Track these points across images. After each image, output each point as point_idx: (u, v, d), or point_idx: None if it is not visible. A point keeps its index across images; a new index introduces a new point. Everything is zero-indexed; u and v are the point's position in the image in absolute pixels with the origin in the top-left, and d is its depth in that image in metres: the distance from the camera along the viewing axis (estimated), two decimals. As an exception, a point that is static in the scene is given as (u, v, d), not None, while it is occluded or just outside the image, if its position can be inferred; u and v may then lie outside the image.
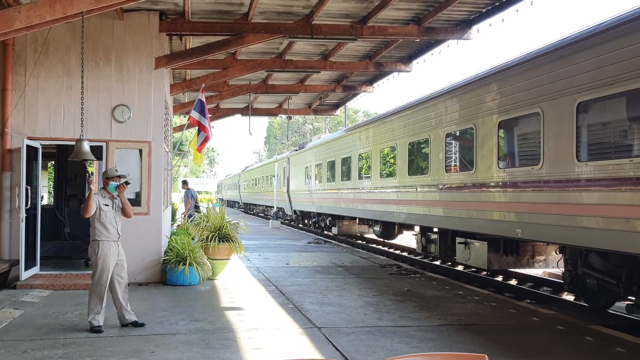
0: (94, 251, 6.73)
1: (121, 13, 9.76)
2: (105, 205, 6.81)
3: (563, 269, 9.05)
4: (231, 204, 59.71)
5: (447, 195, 11.21)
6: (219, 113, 20.06)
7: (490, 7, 10.22)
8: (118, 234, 6.88)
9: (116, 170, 7.21)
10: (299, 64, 13.48)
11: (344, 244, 18.75)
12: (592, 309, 8.60)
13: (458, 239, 11.38)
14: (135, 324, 6.79)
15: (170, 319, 7.25)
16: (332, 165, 20.03)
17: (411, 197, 12.97)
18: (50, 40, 9.75)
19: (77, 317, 7.25)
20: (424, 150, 12.49)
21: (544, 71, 8.31)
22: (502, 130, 9.59)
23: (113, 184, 6.95)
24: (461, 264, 12.73)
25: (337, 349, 5.96)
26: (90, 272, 7.04)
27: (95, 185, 6.71)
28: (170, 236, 11.10)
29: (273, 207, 30.67)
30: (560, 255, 9.35)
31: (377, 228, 16.78)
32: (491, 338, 6.45)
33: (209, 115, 11.42)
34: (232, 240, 10.69)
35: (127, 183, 7.03)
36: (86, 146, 7.38)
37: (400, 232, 16.31)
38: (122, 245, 6.98)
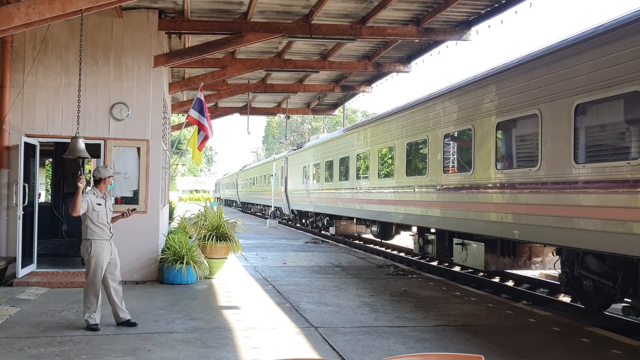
0: (87, 250, 6.71)
1: (120, 11, 9.75)
2: (98, 204, 6.78)
3: (560, 271, 9.07)
4: (229, 203, 59.68)
5: (445, 196, 11.22)
6: (218, 112, 20.05)
7: (489, 9, 10.23)
8: (110, 232, 6.87)
9: (110, 167, 7.22)
10: (297, 64, 13.47)
11: (341, 244, 18.76)
12: (588, 311, 8.62)
13: (455, 240, 11.39)
14: (127, 323, 6.77)
15: (166, 317, 7.24)
16: (330, 165, 20.03)
17: (409, 198, 12.98)
18: (49, 38, 9.73)
19: (74, 315, 7.24)
20: (422, 151, 12.50)
21: (542, 73, 8.33)
22: (500, 132, 9.60)
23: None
24: (458, 265, 12.74)
25: (333, 348, 5.96)
26: (86, 270, 7.03)
27: (82, 183, 6.62)
28: (168, 235, 11.09)
29: (271, 206, 30.65)
30: (557, 256, 9.37)
31: (374, 228, 16.78)
32: (487, 339, 6.46)
33: (208, 114, 11.42)
34: (229, 240, 10.69)
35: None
36: (81, 144, 7.38)
37: (397, 232, 16.31)
38: (115, 243, 6.97)
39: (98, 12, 8.70)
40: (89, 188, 7.10)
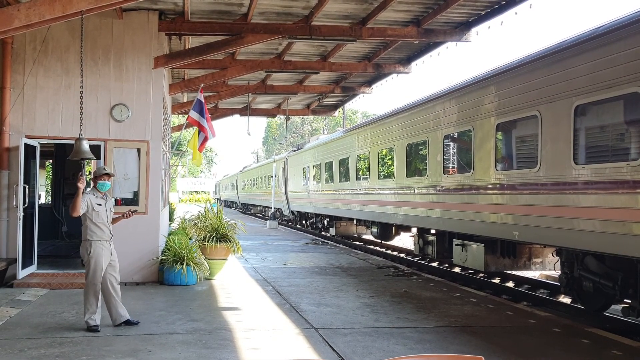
0: (87, 251, 6.71)
1: (120, 12, 9.77)
2: (98, 205, 6.78)
3: (559, 272, 9.07)
4: (229, 204, 59.70)
5: (445, 197, 11.22)
6: (218, 113, 20.07)
7: (489, 10, 10.25)
8: (110, 233, 6.87)
9: (104, 168, 7.16)
10: (297, 65, 13.49)
11: (341, 245, 18.76)
12: (588, 312, 8.62)
13: (455, 241, 11.39)
14: (127, 323, 6.79)
15: (167, 318, 7.25)
16: (330, 166, 20.04)
17: (409, 199, 12.98)
18: (50, 39, 9.74)
19: (74, 316, 7.24)
20: (421, 152, 12.51)
21: (542, 74, 8.33)
22: (499, 133, 9.61)
23: (103, 182, 6.91)
24: (458, 266, 12.74)
25: (334, 349, 5.97)
26: (86, 271, 7.02)
27: (82, 183, 6.63)
28: (168, 236, 11.09)
29: (271, 207, 30.66)
30: (557, 257, 9.37)
31: (374, 229, 16.79)
32: (488, 340, 6.47)
33: (208, 115, 11.42)
34: (229, 241, 10.69)
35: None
36: (85, 145, 7.38)
37: (397, 233, 16.32)
38: (115, 244, 6.96)
39: (98, 14, 8.70)
40: (88, 189, 7.09)
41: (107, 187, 6.99)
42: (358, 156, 16.88)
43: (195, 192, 78.31)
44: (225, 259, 10.82)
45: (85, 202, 6.65)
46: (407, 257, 15.83)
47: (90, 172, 6.90)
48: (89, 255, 6.69)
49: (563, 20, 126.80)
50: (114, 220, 7.03)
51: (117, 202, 9.81)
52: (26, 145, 9.47)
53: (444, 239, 12.30)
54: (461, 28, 11.03)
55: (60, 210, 15.50)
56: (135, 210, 7.36)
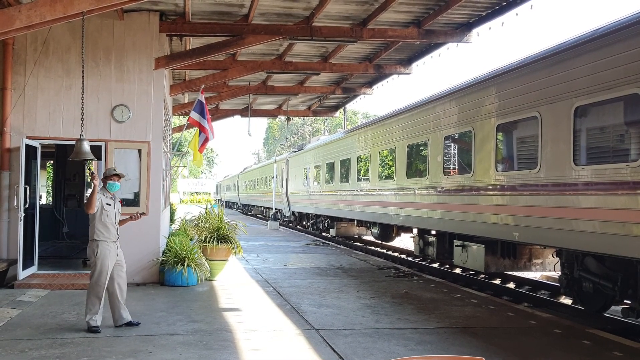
0: (93, 251, 6.73)
1: (121, 13, 9.78)
2: (108, 204, 6.84)
3: (560, 272, 9.07)
4: (230, 205, 59.73)
5: (445, 198, 11.23)
6: (219, 114, 20.09)
7: (490, 11, 10.26)
8: (117, 234, 6.90)
9: (114, 169, 7.23)
10: (298, 66, 13.51)
11: (342, 246, 18.76)
12: (588, 313, 8.63)
13: (456, 242, 11.39)
14: (130, 324, 6.80)
15: (167, 319, 7.26)
16: (330, 167, 20.05)
17: (409, 200, 12.99)
18: (50, 40, 9.76)
19: (75, 317, 7.25)
20: (422, 153, 12.52)
21: (542, 75, 8.34)
22: (500, 134, 9.62)
23: (113, 183, 6.97)
24: (459, 267, 12.74)
25: (334, 350, 5.97)
26: (88, 272, 7.04)
27: (98, 180, 6.74)
28: (169, 236, 11.10)
29: (271, 208, 30.67)
30: (557, 258, 9.38)
31: (375, 230, 16.79)
32: (488, 341, 6.47)
33: (209, 116, 11.44)
34: (230, 241, 10.71)
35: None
36: (86, 146, 7.39)
37: (398, 234, 16.32)
38: (120, 245, 7.00)
39: (99, 15, 8.72)
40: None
41: (116, 187, 7.07)
42: (359, 157, 16.88)
43: (196, 192, 78.36)
44: (226, 259, 10.83)
45: (98, 201, 6.70)
46: (408, 258, 15.83)
47: (93, 172, 6.99)
48: (95, 256, 6.71)
49: (563, 21, 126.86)
50: (122, 222, 7.08)
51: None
52: (27, 146, 9.49)
53: (444, 240, 12.30)
54: (462, 29, 11.04)
55: (61, 210, 15.50)
56: (144, 213, 7.42)
